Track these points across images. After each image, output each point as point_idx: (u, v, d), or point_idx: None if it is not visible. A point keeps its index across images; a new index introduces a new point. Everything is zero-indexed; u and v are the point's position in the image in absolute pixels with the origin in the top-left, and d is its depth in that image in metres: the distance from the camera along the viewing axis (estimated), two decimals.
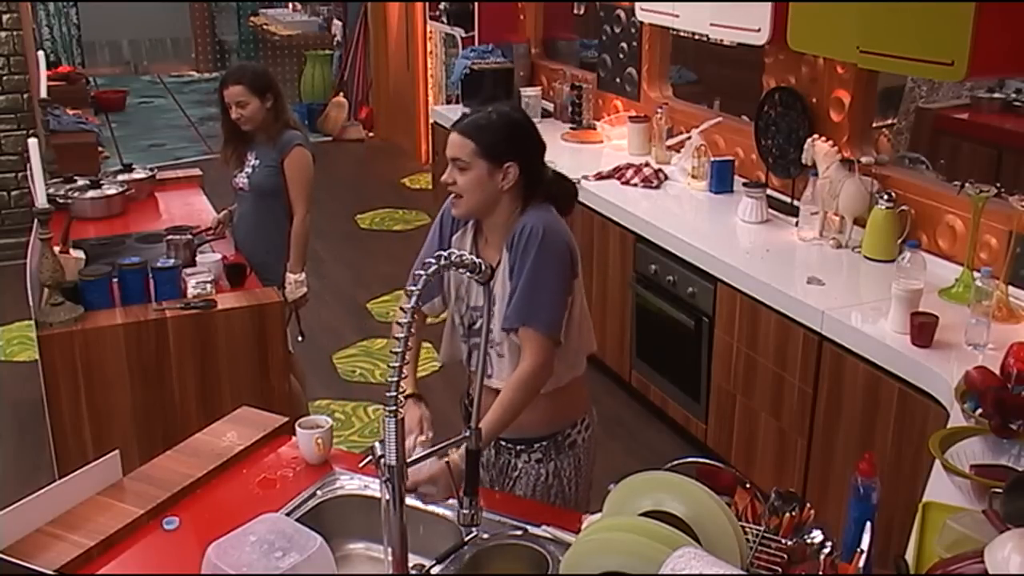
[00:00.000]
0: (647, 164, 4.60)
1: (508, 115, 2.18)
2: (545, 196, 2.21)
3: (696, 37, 4.92)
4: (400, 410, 1.58)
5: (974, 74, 2.85)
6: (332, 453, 2.26)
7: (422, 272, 1.64)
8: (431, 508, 2.05)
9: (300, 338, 3.85)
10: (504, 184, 2.14)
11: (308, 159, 3.67)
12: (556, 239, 2.16)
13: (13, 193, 6.25)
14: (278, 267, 3.69)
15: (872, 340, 2.94)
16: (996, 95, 5.20)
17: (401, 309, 1.63)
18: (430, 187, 7.25)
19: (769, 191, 4.05)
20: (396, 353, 1.58)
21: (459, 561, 1.87)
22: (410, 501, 1.95)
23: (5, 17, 6.06)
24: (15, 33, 6.08)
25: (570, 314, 2.21)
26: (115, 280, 3.18)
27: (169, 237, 3.46)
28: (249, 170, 3.67)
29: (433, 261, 1.66)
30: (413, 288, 1.62)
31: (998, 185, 3.10)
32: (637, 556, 1.53)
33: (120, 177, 4.38)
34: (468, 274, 1.77)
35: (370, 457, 1.97)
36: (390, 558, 1.70)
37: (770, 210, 3.98)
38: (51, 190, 3.77)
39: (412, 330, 1.60)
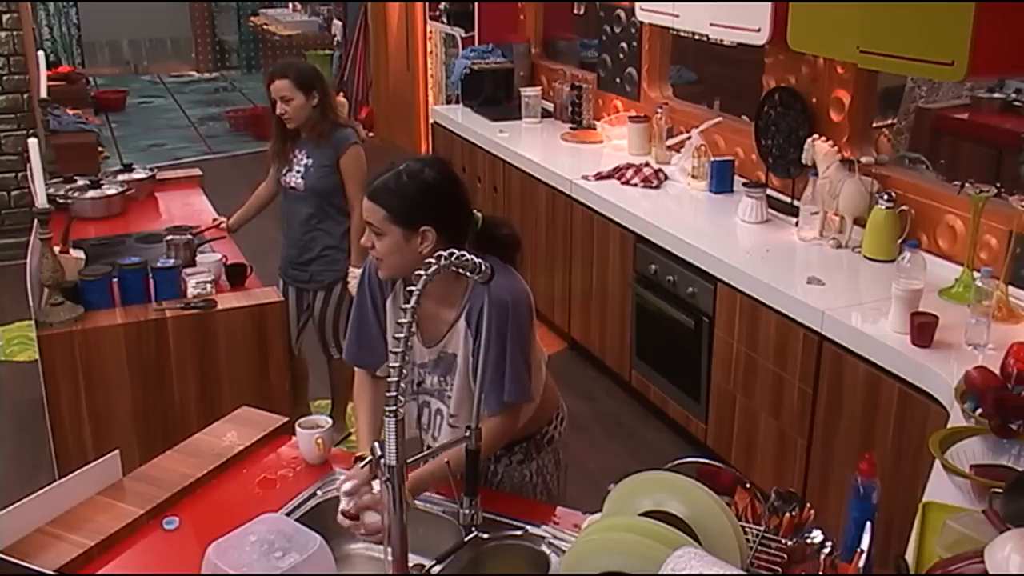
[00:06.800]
0: (647, 164, 4.60)
1: (420, 176, 2.02)
2: (478, 248, 2.00)
3: (696, 37, 4.91)
4: (400, 410, 1.58)
5: (974, 74, 2.84)
6: (332, 453, 2.27)
7: (422, 272, 1.64)
8: (431, 508, 2.05)
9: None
10: (423, 248, 2.01)
11: (363, 156, 3.68)
12: (520, 305, 2.06)
13: (13, 193, 6.25)
14: (339, 261, 3.75)
15: (872, 340, 2.94)
16: (996, 95, 5.21)
17: (401, 309, 1.63)
18: None
19: (769, 191, 4.05)
20: (396, 353, 1.58)
21: (459, 561, 1.87)
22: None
23: (5, 17, 6.05)
24: (15, 33, 6.07)
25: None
26: (115, 280, 3.18)
27: (169, 237, 3.46)
28: (301, 169, 3.67)
29: (434, 262, 1.66)
30: (413, 288, 1.62)
31: (998, 185, 3.10)
32: (637, 556, 1.53)
33: (120, 177, 4.38)
34: (469, 274, 1.76)
35: (370, 457, 1.98)
36: (390, 558, 1.70)
37: (770, 210, 3.98)
38: (51, 190, 3.77)
39: (412, 330, 1.60)
